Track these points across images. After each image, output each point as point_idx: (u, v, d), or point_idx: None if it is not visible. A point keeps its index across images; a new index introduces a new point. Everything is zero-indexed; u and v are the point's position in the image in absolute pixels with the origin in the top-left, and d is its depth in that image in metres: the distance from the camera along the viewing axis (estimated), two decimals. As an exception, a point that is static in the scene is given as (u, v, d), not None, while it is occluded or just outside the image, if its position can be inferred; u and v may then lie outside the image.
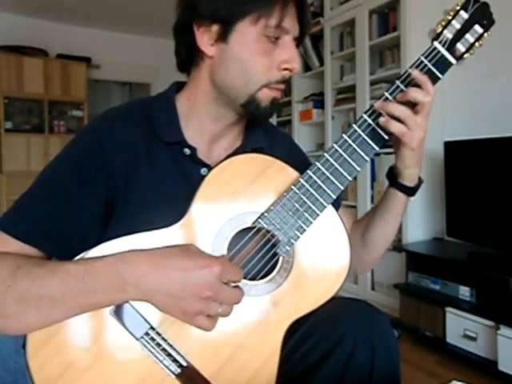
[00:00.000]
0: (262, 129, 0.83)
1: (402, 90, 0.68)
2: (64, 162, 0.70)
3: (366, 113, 0.68)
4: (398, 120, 0.66)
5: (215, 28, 0.68)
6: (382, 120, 0.67)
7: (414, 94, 0.65)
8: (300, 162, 0.81)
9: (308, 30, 0.73)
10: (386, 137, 0.68)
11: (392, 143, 0.72)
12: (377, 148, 0.68)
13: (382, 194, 0.80)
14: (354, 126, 0.68)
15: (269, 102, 0.71)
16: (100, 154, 0.68)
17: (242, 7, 0.66)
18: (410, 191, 0.75)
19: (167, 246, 0.62)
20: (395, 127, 0.66)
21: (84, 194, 0.67)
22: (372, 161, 2.57)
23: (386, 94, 0.68)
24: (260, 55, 0.68)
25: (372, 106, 0.68)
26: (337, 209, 0.85)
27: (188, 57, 0.75)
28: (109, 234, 0.67)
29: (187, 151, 0.73)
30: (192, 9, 0.69)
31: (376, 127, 0.68)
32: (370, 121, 0.68)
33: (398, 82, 0.68)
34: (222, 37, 0.68)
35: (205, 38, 0.70)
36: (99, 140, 0.69)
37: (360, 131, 0.68)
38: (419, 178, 0.75)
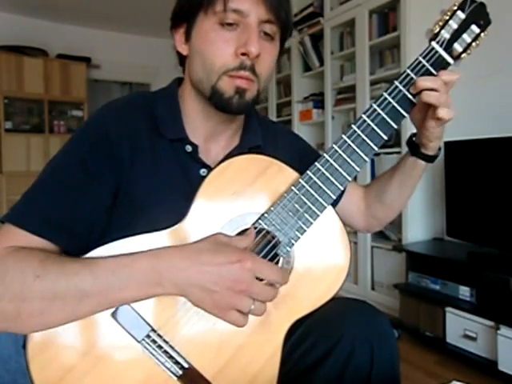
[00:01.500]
0: (260, 127, 0.83)
1: (400, 91, 0.68)
2: (72, 152, 0.70)
3: (365, 113, 0.69)
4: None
5: (184, 28, 0.73)
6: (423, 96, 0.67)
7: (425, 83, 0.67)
8: (303, 151, 0.82)
9: (282, 8, 0.69)
10: (386, 137, 0.69)
11: (415, 122, 0.77)
12: (376, 148, 0.69)
13: (400, 159, 0.84)
14: (353, 126, 0.68)
15: (233, 92, 0.68)
16: (107, 143, 0.68)
17: (193, 2, 0.69)
18: (432, 159, 0.80)
19: (199, 240, 0.63)
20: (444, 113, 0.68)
21: (94, 184, 0.67)
22: (372, 161, 2.58)
23: (385, 95, 0.68)
24: (216, 44, 0.68)
25: (371, 106, 0.69)
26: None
27: (180, 61, 0.79)
28: (111, 226, 0.68)
29: (189, 148, 0.73)
30: (171, 16, 0.75)
31: (375, 127, 0.68)
32: (369, 121, 0.68)
33: (396, 83, 0.69)
34: (188, 35, 0.72)
35: (179, 40, 0.74)
36: (105, 130, 0.69)
37: (359, 132, 0.68)
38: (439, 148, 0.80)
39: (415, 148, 0.79)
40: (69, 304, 0.58)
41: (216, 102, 0.70)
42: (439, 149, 0.80)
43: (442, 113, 0.68)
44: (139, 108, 0.74)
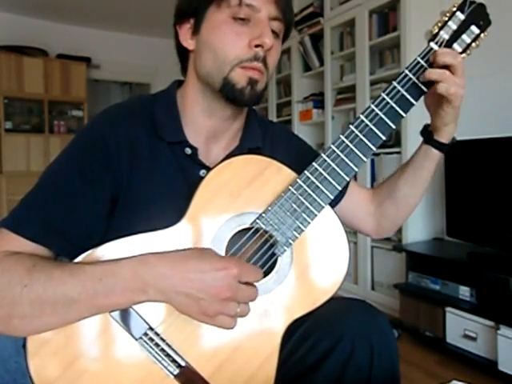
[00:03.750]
0: (259, 128, 0.84)
1: (399, 91, 0.68)
2: (69, 159, 0.70)
3: (363, 114, 0.69)
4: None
5: (191, 22, 0.73)
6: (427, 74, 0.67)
7: (443, 58, 0.66)
8: (302, 152, 0.81)
9: (288, 8, 0.72)
10: (384, 137, 0.69)
11: (428, 106, 0.75)
12: (374, 148, 0.69)
13: (414, 152, 0.82)
14: (351, 126, 0.68)
15: (245, 83, 0.70)
16: (104, 150, 0.69)
17: None
18: (445, 148, 0.78)
19: (185, 249, 0.63)
20: (455, 92, 0.68)
21: (91, 191, 0.67)
22: (372, 161, 2.57)
23: (383, 95, 0.68)
24: (229, 36, 0.69)
25: (369, 107, 0.69)
26: (347, 185, 0.87)
27: (181, 57, 0.79)
28: (110, 230, 0.68)
29: (188, 150, 0.74)
30: (175, 11, 0.75)
31: (373, 128, 0.68)
32: (367, 121, 0.68)
33: (394, 83, 0.69)
34: (196, 28, 0.72)
35: (185, 34, 0.74)
36: (103, 137, 0.69)
37: (357, 132, 0.68)
38: (453, 138, 0.78)
39: (429, 136, 0.78)
40: (58, 310, 0.59)
41: (228, 92, 0.71)
42: (453, 138, 0.78)
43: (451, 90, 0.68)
44: (138, 112, 0.75)
